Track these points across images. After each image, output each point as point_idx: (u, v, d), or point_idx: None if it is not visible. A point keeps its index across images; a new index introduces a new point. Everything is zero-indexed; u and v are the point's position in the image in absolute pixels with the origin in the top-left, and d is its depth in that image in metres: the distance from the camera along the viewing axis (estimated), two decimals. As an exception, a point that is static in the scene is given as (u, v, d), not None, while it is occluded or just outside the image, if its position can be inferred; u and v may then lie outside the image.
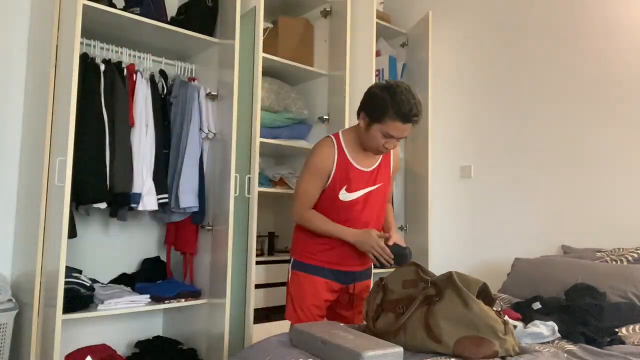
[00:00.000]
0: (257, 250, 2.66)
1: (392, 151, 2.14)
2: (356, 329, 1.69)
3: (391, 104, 1.86)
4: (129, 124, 2.44)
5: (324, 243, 2.07)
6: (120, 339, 2.73)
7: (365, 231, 1.98)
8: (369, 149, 2.03)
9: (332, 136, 2.08)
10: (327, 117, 3.06)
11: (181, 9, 2.78)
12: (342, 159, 2.03)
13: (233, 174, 2.51)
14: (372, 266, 2.21)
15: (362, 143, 2.03)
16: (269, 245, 3.10)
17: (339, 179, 2.03)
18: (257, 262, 2.65)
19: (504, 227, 3.04)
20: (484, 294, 1.50)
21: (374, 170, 2.09)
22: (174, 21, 2.67)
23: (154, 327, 2.87)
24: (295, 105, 3.04)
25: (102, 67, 2.42)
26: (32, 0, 2.56)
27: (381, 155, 2.11)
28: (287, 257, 3.00)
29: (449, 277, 1.53)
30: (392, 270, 1.79)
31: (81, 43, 2.31)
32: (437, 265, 3.26)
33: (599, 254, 2.45)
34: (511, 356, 1.42)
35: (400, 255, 1.94)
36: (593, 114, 2.71)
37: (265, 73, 2.86)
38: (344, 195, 2.04)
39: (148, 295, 2.43)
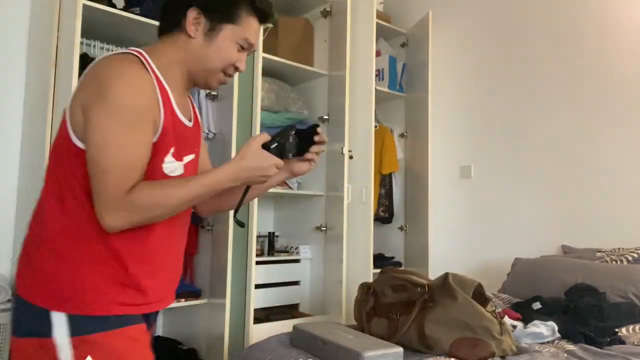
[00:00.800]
0: (257, 250, 2.66)
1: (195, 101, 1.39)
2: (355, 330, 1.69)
3: (258, 4, 1.20)
4: (129, 124, 2.43)
5: (146, 262, 1.15)
6: (120, 339, 2.73)
7: (253, 153, 1.18)
8: (204, 76, 1.22)
9: (136, 54, 1.17)
10: (327, 117, 3.05)
11: (181, 9, 2.77)
12: (166, 101, 1.14)
13: (233, 174, 2.51)
14: None
15: (193, 67, 1.21)
16: (269, 245, 3.10)
17: (167, 134, 1.14)
18: (257, 262, 2.65)
19: (504, 227, 3.04)
20: (478, 294, 1.50)
21: (194, 126, 1.27)
22: (174, 21, 2.66)
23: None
24: (295, 105, 3.04)
25: (102, 67, 2.41)
26: (32, 0, 2.55)
27: (191, 105, 1.30)
28: (287, 257, 3.01)
29: (443, 279, 1.53)
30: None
31: (81, 43, 2.31)
32: (437, 265, 3.25)
33: (599, 254, 2.45)
34: (509, 356, 1.42)
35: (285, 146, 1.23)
36: (593, 114, 2.71)
37: (265, 73, 2.86)
38: (170, 166, 1.16)
39: (148, 295, 2.42)
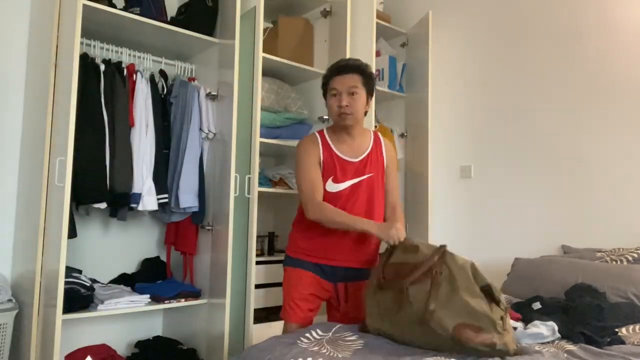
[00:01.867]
0: (257, 250, 2.66)
1: (383, 143, 2.17)
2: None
3: (328, 69, 2.11)
4: (129, 124, 2.44)
5: (308, 234, 2.09)
6: (120, 339, 2.73)
7: (390, 225, 1.94)
8: (335, 122, 2.10)
9: (315, 133, 2.15)
10: (327, 117, 3.05)
11: (181, 9, 2.78)
12: (327, 149, 2.08)
13: (233, 174, 2.51)
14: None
15: (334, 125, 2.13)
16: (269, 245, 3.10)
17: (326, 168, 2.06)
18: (257, 262, 2.65)
19: (504, 227, 3.04)
20: (487, 292, 1.51)
21: (362, 160, 2.10)
22: (174, 21, 2.67)
23: (154, 327, 2.87)
24: (295, 105, 3.04)
25: (102, 67, 2.42)
26: (32, 0, 2.56)
27: (370, 146, 2.13)
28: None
29: (459, 265, 1.55)
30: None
31: (81, 43, 2.32)
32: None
33: (599, 254, 2.45)
34: (508, 351, 1.42)
35: None
36: (593, 114, 2.71)
37: (265, 73, 2.86)
38: (331, 186, 2.05)
39: (148, 295, 2.43)
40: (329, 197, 2.04)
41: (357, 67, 2.06)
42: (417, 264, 1.62)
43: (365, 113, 2.15)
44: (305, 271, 2.08)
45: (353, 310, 2.11)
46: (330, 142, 2.10)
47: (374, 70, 3.08)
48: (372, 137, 2.18)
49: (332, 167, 2.06)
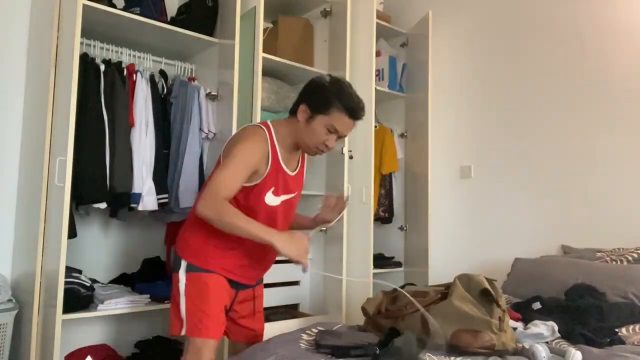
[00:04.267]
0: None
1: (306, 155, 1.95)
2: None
3: (338, 95, 1.73)
4: (129, 124, 2.44)
5: (219, 246, 1.78)
6: (120, 339, 2.73)
7: (292, 234, 1.68)
8: (305, 148, 1.84)
9: (263, 128, 1.80)
10: (327, 117, 3.05)
11: (181, 9, 2.78)
12: (274, 159, 1.78)
13: (233, 174, 2.51)
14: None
15: (299, 140, 1.81)
16: (269, 245, 3.09)
17: (270, 179, 1.77)
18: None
19: (504, 227, 3.04)
20: (485, 294, 1.51)
21: (296, 175, 1.89)
22: (174, 21, 2.67)
23: (154, 327, 2.87)
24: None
25: (102, 67, 2.42)
26: (32, 0, 2.56)
27: (300, 161, 1.92)
28: (287, 257, 3.01)
29: (452, 282, 1.55)
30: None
31: (81, 43, 2.32)
32: (437, 265, 3.26)
33: (599, 254, 2.45)
34: (507, 350, 1.43)
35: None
36: (593, 114, 2.71)
37: (265, 73, 2.86)
38: (270, 199, 1.79)
39: (148, 295, 2.43)
40: (266, 210, 1.79)
41: (362, 119, 1.83)
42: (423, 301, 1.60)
43: None
44: (219, 276, 1.80)
45: (255, 323, 1.96)
46: (278, 151, 1.79)
47: (374, 70, 3.09)
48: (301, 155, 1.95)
49: (275, 179, 1.79)
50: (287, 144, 1.82)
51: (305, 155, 1.95)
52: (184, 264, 1.81)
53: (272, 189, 1.78)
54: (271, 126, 1.81)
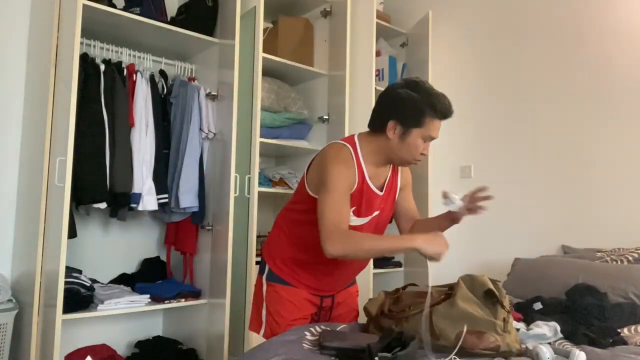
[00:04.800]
0: (257, 250, 2.65)
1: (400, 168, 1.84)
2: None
3: (426, 102, 1.61)
4: (129, 124, 2.44)
5: (295, 261, 1.77)
6: (120, 339, 2.73)
7: (434, 234, 1.59)
8: (400, 162, 1.73)
9: (348, 146, 1.68)
10: (327, 117, 3.06)
11: (181, 9, 2.77)
12: (361, 177, 1.68)
13: (233, 174, 2.51)
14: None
15: (393, 156, 1.69)
16: (269, 245, 3.09)
17: (352, 199, 1.67)
18: (257, 262, 2.64)
19: (504, 227, 3.04)
20: (491, 294, 1.51)
21: (385, 192, 1.78)
22: (174, 21, 2.67)
23: (154, 327, 2.87)
24: (295, 105, 3.04)
25: (102, 67, 2.42)
26: (32, 0, 2.55)
27: (389, 173, 1.79)
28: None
29: (456, 283, 1.54)
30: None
31: (81, 43, 2.31)
32: (437, 265, 3.25)
33: (599, 254, 2.44)
34: (511, 351, 1.42)
35: None
36: (593, 114, 2.71)
37: (265, 73, 2.86)
38: (352, 220, 1.69)
39: (148, 295, 2.42)
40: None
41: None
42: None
43: None
44: (296, 289, 1.78)
45: (341, 317, 1.89)
46: (364, 168, 1.68)
47: (374, 70, 3.09)
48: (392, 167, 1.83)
49: (359, 198, 1.69)
50: (375, 160, 1.70)
51: (399, 168, 1.83)
52: (267, 269, 1.81)
53: (354, 208, 1.68)
54: (357, 142, 1.70)
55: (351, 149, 1.67)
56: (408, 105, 1.62)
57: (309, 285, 1.77)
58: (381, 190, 1.75)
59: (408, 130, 1.63)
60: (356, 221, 1.70)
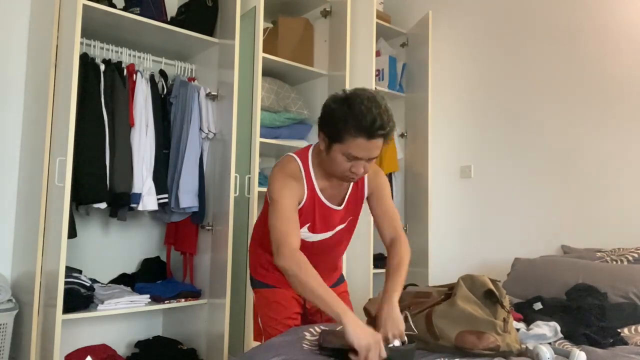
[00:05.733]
0: (257, 250, 2.65)
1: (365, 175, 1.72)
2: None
3: (350, 118, 1.47)
4: (129, 124, 2.44)
5: (270, 261, 1.71)
6: (120, 339, 2.73)
7: (371, 333, 1.35)
8: (334, 176, 1.63)
9: (298, 160, 1.66)
10: (327, 117, 3.05)
11: (181, 9, 2.77)
12: (311, 191, 1.65)
13: (233, 174, 2.51)
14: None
15: (326, 169, 1.63)
16: (269, 246, 3.10)
17: (303, 213, 1.64)
18: (257, 262, 2.64)
19: (504, 227, 3.04)
20: (491, 294, 1.51)
21: (345, 206, 1.72)
22: (174, 21, 2.67)
23: (154, 327, 2.87)
24: (295, 105, 3.04)
25: (102, 67, 2.42)
26: (32, 0, 2.55)
27: (351, 186, 1.72)
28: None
29: (456, 283, 1.55)
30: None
31: (81, 43, 2.32)
32: (437, 265, 3.26)
33: (599, 254, 2.44)
34: (512, 352, 1.42)
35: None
36: (593, 114, 2.71)
37: (265, 73, 2.86)
38: (306, 235, 1.66)
39: (148, 295, 2.43)
40: (303, 245, 1.61)
41: (388, 133, 1.52)
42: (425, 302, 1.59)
43: None
44: (278, 289, 1.79)
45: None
46: (315, 183, 1.65)
47: (374, 70, 3.09)
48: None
49: (311, 214, 1.66)
50: (324, 174, 1.66)
51: (365, 177, 1.74)
52: (251, 279, 1.88)
53: (308, 225, 1.65)
54: (310, 155, 1.68)
55: (300, 162, 1.65)
56: (331, 119, 1.54)
57: (286, 282, 1.65)
58: (340, 205, 1.70)
59: (331, 145, 1.55)
60: (312, 237, 1.68)
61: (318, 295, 1.42)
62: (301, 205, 1.63)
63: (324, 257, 1.77)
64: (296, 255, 1.48)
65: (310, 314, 1.87)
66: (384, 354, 1.32)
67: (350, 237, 1.86)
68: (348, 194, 1.73)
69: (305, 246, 1.62)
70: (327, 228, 1.70)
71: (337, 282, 1.94)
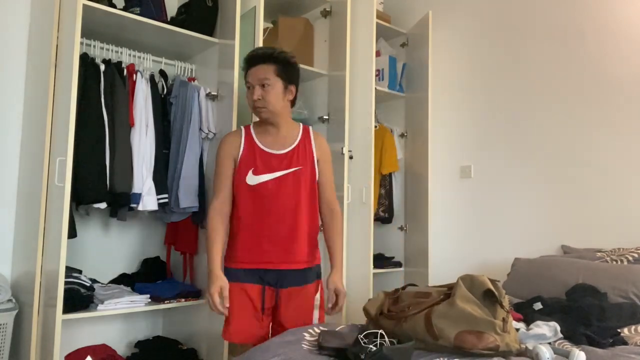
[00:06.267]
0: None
1: (312, 136, 2.06)
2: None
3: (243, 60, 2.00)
4: (129, 124, 2.44)
5: (240, 230, 1.98)
6: (120, 339, 2.73)
7: (215, 277, 1.87)
8: (254, 112, 2.03)
9: (242, 127, 2.07)
10: (327, 117, 3.05)
11: (181, 9, 2.77)
12: (248, 141, 2.00)
13: (233, 174, 2.51)
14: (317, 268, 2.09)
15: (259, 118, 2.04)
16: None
17: (245, 161, 1.97)
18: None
19: (504, 227, 3.04)
20: (490, 294, 1.51)
21: (288, 153, 1.99)
22: (174, 21, 2.67)
23: (154, 327, 2.87)
24: (296, 105, 3.04)
25: (102, 67, 2.41)
26: (32, 1, 2.55)
27: (298, 139, 2.03)
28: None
29: (455, 283, 1.55)
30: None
31: (81, 43, 2.31)
32: (437, 265, 3.26)
33: (599, 254, 2.45)
34: (511, 351, 1.43)
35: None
36: (593, 114, 2.71)
37: (266, 73, 2.85)
38: (251, 179, 1.95)
39: (148, 295, 2.42)
40: (249, 190, 1.95)
41: (269, 57, 1.95)
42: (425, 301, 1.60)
43: (293, 104, 2.07)
44: (232, 283, 1.93)
45: (289, 322, 1.94)
46: (254, 135, 2.01)
47: (374, 70, 3.09)
48: (301, 130, 2.06)
49: (252, 159, 1.97)
50: (263, 126, 2.03)
51: (311, 136, 2.06)
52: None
53: (252, 169, 1.95)
54: (252, 122, 2.12)
55: (242, 127, 2.06)
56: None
57: (250, 259, 1.94)
58: (280, 151, 1.99)
59: (246, 84, 1.99)
60: (255, 179, 1.94)
61: (209, 248, 1.90)
62: (240, 154, 1.97)
63: (275, 213, 1.94)
64: (215, 210, 1.96)
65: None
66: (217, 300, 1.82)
67: (305, 189, 1.99)
68: (294, 145, 2.01)
69: (256, 190, 1.94)
70: (268, 170, 1.96)
71: (304, 277, 2.02)
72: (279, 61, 1.95)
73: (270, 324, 2.00)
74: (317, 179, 2.04)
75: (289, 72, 1.99)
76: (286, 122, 2.04)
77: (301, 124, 2.11)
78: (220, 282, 1.84)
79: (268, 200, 1.94)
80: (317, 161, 2.04)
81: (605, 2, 2.70)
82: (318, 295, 2.03)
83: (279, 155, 1.98)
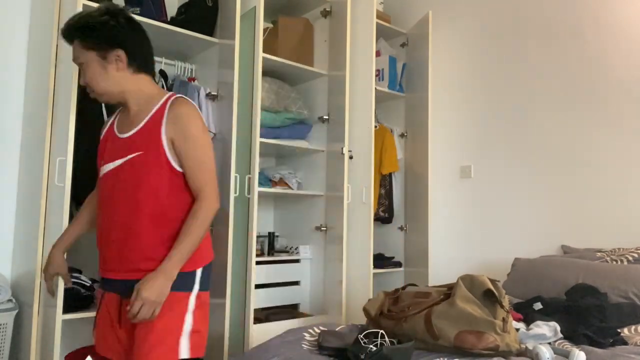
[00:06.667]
0: (257, 250, 2.65)
1: (167, 110, 1.54)
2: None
3: None
4: (129, 124, 2.44)
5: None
6: (120, 339, 2.73)
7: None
8: None
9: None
10: (327, 117, 3.06)
11: (181, 9, 2.77)
12: (111, 125, 1.67)
13: (233, 174, 2.51)
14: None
15: None
16: (269, 245, 3.10)
17: (100, 149, 1.66)
18: (257, 262, 2.65)
19: (504, 227, 3.04)
20: (490, 294, 1.51)
21: (132, 136, 1.55)
22: (174, 21, 2.67)
23: (154, 327, 2.86)
24: (295, 105, 3.04)
25: (102, 67, 2.41)
26: (32, 1, 2.55)
27: (147, 118, 1.55)
28: (287, 257, 3.02)
29: (455, 283, 1.55)
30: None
31: (81, 43, 2.31)
32: (436, 265, 3.26)
33: (599, 254, 2.45)
34: (511, 351, 1.43)
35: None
36: (593, 114, 2.71)
37: (265, 73, 2.86)
38: (101, 171, 1.63)
39: (148, 296, 2.42)
40: (99, 185, 1.63)
41: (70, 32, 1.54)
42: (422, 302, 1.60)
43: (145, 65, 1.61)
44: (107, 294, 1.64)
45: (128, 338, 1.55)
46: (116, 117, 1.68)
47: (374, 70, 3.09)
48: (159, 104, 1.57)
49: (103, 146, 1.64)
50: (125, 108, 1.64)
51: (165, 110, 1.55)
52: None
53: (102, 159, 1.62)
54: None
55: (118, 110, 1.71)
56: None
57: (100, 264, 1.61)
58: (124, 135, 1.57)
59: None
60: (101, 171, 1.61)
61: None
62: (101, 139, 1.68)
63: (110, 209, 1.56)
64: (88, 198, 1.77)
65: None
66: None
67: (149, 183, 1.52)
68: (141, 124, 1.55)
69: (100, 185, 1.62)
70: (110, 159, 1.58)
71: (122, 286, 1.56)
72: (80, 31, 1.52)
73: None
74: (174, 166, 1.53)
75: (99, 36, 1.51)
76: (137, 97, 1.59)
77: (168, 94, 1.61)
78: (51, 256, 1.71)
79: (103, 194, 1.59)
80: (171, 142, 1.52)
81: (605, 2, 2.70)
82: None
83: (121, 140, 1.57)
